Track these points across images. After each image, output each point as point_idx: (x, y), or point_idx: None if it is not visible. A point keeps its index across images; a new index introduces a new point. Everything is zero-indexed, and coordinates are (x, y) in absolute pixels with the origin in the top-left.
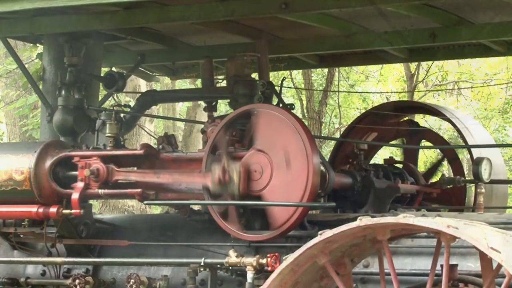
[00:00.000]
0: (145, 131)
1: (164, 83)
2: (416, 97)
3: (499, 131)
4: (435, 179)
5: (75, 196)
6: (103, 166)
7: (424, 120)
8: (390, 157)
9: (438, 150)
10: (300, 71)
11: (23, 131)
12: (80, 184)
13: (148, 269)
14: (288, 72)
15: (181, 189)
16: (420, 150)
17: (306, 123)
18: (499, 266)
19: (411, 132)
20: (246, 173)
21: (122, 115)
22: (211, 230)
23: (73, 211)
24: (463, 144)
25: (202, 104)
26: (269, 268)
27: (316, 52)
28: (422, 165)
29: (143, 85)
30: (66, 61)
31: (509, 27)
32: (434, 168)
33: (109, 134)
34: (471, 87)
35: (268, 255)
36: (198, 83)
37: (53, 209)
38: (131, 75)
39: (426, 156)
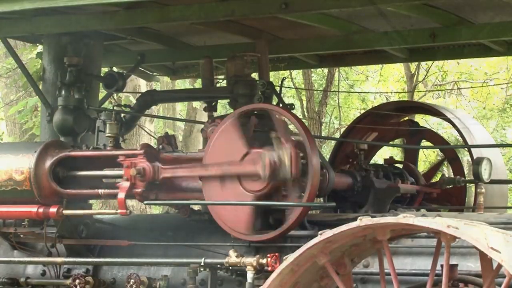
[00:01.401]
0: (145, 131)
1: (164, 83)
2: (416, 97)
3: (497, 131)
4: (435, 179)
5: (121, 196)
6: (149, 165)
7: (424, 120)
8: (390, 157)
9: (438, 150)
10: (300, 71)
11: (23, 129)
12: (125, 184)
13: (148, 269)
14: (288, 72)
15: (182, 187)
16: (420, 150)
17: (306, 123)
18: (499, 266)
19: (411, 132)
20: (297, 156)
21: (122, 115)
22: (211, 230)
23: (119, 211)
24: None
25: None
26: (269, 268)
27: (316, 52)
28: (422, 165)
29: (143, 85)
30: (66, 61)
31: (509, 27)
32: (434, 168)
33: (109, 134)
34: (471, 87)
35: (268, 255)
36: (198, 83)
37: (53, 209)
38: (131, 75)
39: (426, 156)
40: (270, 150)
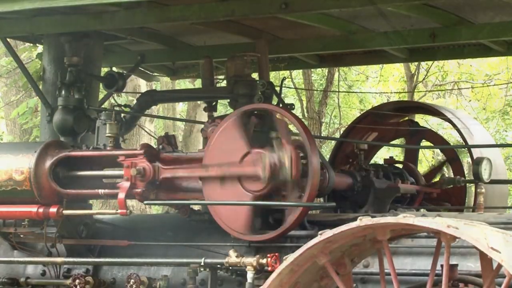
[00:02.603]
0: (145, 131)
1: (164, 83)
2: (416, 97)
3: (500, 133)
4: (435, 179)
5: (121, 196)
6: (149, 165)
7: (424, 120)
8: (390, 157)
9: (437, 150)
10: (300, 71)
11: (23, 129)
12: (125, 184)
13: (148, 269)
14: (288, 72)
15: (182, 187)
16: (420, 150)
17: (306, 123)
18: (499, 266)
19: (411, 132)
20: (298, 158)
21: (122, 115)
22: (211, 230)
23: (119, 211)
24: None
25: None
26: (269, 268)
27: (316, 52)
28: (426, 165)
29: (143, 85)
30: (66, 61)
31: (509, 27)
32: (436, 170)
33: (109, 134)
34: (471, 87)
35: (268, 255)
36: (198, 83)
37: (53, 209)
38: (131, 75)
39: (425, 155)
40: (270, 151)
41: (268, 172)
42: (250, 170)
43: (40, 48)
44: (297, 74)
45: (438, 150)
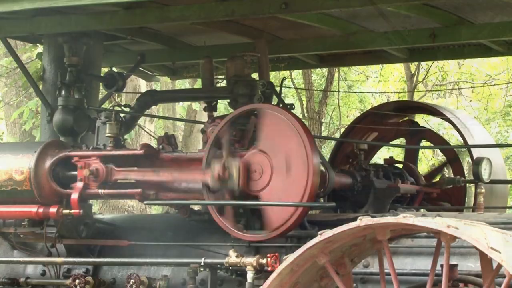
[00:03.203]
0: (145, 131)
1: (164, 83)
2: (416, 97)
3: (501, 134)
4: (435, 179)
5: (74, 196)
6: (103, 166)
7: (424, 120)
8: (390, 157)
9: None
10: (300, 71)
11: (23, 129)
12: (79, 184)
13: (148, 269)
14: (288, 72)
15: (181, 188)
16: (420, 150)
17: (306, 123)
18: (499, 266)
19: (411, 132)
20: (246, 170)
21: (122, 115)
22: (211, 230)
23: (72, 211)
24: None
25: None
26: (269, 268)
27: (316, 52)
28: (426, 165)
29: (143, 85)
30: (66, 61)
31: (509, 27)
32: (436, 170)
33: (109, 134)
34: (472, 87)
35: (268, 255)
36: (198, 83)
37: (53, 209)
38: (131, 75)
39: (425, 155)
40: (219, 160)
41: (216, 181)
42: (200, 178)
43: (40, 48)
44: (297, 74)
45: (438, 150)
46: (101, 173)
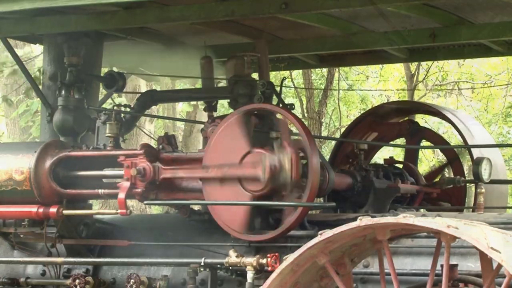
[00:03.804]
0: (144, 132)
1: (164, 83)
2: (416, 97)
3: (503, 135)
4: (435, 179)
5: (121, 196)
6: (150, 165)
7: (424, 120)
8: (390, 157)
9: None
10: (300, 71)
11: (23, 129)
12: (126, 184)
13: (148, 269)
14: (288, 72)
15: (182, 187)
16: (420, 150)
17: (306, 123)
18: (499, 266)
19: (411, 132)
20: (298, 161)
21: (122, 115)
22: (211, 230)
23: (119, 211)
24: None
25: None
26: (269, 268)
27: (316, 52)
28: (426, 165)
29: (143, 85)
30: (66, 61)
31: (509, 27)
32: (437, 171)
33: (109, 134)
34: (472, 87)
35: (268, 255)
36: (198, 83)
37: (53, 209)
38: (131, 75)
39: (425, 155)
40: (271, 153)
41: (268, 174)
42: (250, 172)
43: (39, 49)
44: (297, 74)
45: (438, 150)
46: (148, 173)
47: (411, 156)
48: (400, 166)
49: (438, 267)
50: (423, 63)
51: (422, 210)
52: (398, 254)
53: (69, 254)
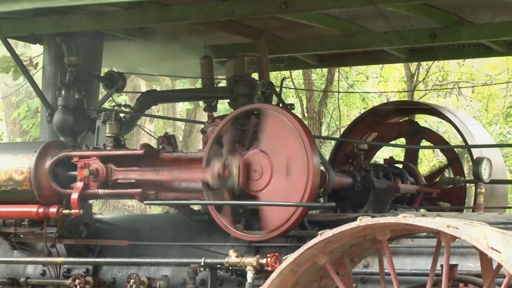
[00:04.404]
0: (145, 131)
1: (164, 83)
2: (416, 97)
3: (504, 135)
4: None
5: (74, 196)
6: (102, 166)
7: (424, 120)
8: (390, 157)
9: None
10: (300, 71)
11: (23, 129)
12: (79, 184)
13: (148, 269)
14: (288, 72)
15: (181, 188)
16: (420, 150)
17: (306, 123)
18: (499, 266)
19: (411, 132)
20: (246, 168)
21: (122, 115)
22: (211, 230)
23: (72, 211)
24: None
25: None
26: (269, 268)
27: (316, 52)
28: (426, 165)
29: (143, 85)
30: (66, 61)
31: (509, 27)
32: (438, 172)
33: (109, 134)
34: (472, 86)
35: (268, 255)
36: (198, 83)
37: (53, 209)
38: (131, 75)
39: (425, 155)
40: (219, 158)
41: (216, 179)
42: (200, 176)
43: (40, 49)
44: (297, 75)
45: (438, 150)
46: (101, 173)
47: (411, 156)
48: (400, 166)
49: (438, 267)
50: (423, 63)
51: (422, 210)
52: (398, 254)
53: (69, 254)
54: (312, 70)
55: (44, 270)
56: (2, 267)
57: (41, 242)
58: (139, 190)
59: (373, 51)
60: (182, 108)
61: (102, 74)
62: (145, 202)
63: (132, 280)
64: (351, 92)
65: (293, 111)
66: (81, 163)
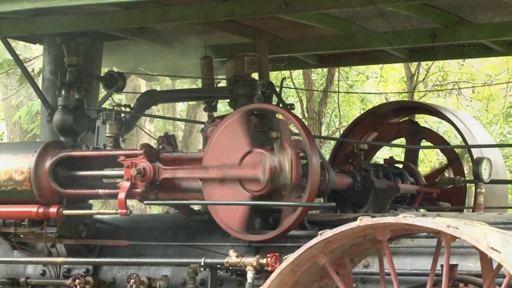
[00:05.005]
0: (145, 132)
1: (164, 83)
2: (416, 97)
3: (504, 135)
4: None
5: (121, 196)
6: (150, 165)
7: (424, 120)
8: (390, 157)
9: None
10: (300, 71)
11: (23, 129)
12: (126, 184)
13: (148, 269)
14: (288, 72)
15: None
16: (421, 150)
17: (306, 123)
18: (499, 266)
19: (411, 132)
20: (298, 162)
21: (122, 115)
22: (211, 230)
23: (119, 211)
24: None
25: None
26: (269, 268)
27: (316, 52)
28: (427, 165)
29: (143, 85)
30: (66, 61)
31: (509, 27)
32: (438, 172)
33: (109, 134)
34: (472, 87)
35: (268, 255)
36: (198, 83)
37: (53, 209)
38: (131, 75)
39: (426, 155)
40: (271, 153)
41: (268, 175)
42: (250, 173)
43: (40, 49)
44: (297, 74)
45: (439, 150)
46: (148, 172)
47: (411, 156)
48: (400, 166)
49: (438, 267)
50: (423, 63)
51: (422, 210)
52: (398, 254)
53: (69, 254)
54: (312, 70)
55: (44, 270)
56: (2, 267)
57: (41, 242)
58: (139, 190)
59: (373, 51)
60: (182, 108)
61: (102, 74)
62: (145, 202)
63: (132, 280)
64: (351, 93)
65: (293, 111)
66: (128, 162)
